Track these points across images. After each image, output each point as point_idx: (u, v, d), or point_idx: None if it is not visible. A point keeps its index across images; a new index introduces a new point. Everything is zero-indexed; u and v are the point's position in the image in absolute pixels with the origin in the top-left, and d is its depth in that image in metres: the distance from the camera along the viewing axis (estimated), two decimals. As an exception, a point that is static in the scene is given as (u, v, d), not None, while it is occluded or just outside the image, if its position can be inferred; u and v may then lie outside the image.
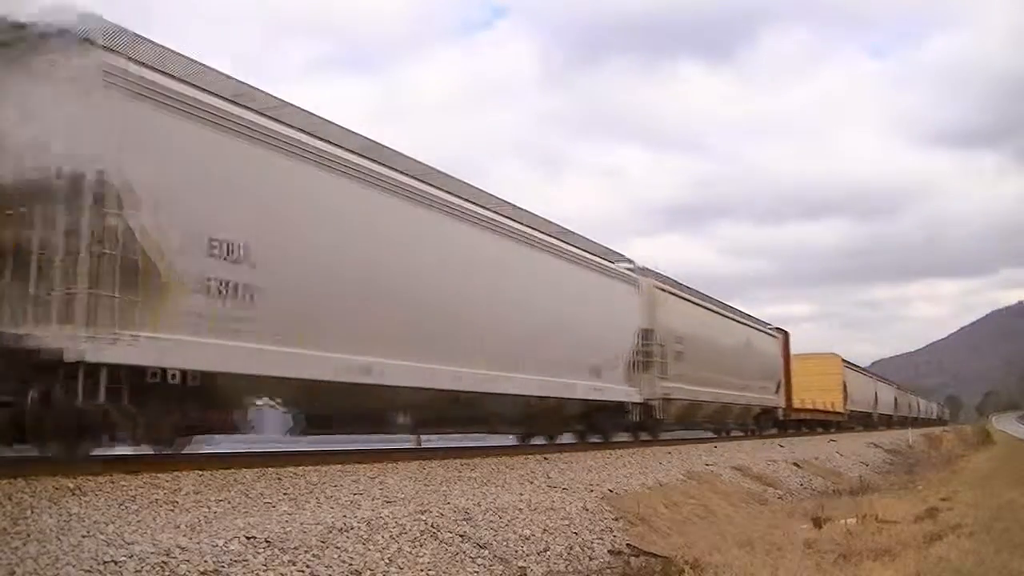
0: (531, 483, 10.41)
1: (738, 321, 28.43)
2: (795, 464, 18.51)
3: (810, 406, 37.66)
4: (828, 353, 45.23)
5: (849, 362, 48.18)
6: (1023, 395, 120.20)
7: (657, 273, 21.65)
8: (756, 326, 30.70)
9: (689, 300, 23.64)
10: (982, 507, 10.24)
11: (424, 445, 14.37)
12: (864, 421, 49.53)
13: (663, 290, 21.27)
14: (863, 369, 56.53)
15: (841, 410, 42.07)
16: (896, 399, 65.26)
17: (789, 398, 33.55)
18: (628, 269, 19.75)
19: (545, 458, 13.35)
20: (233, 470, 8.37)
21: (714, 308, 26.10)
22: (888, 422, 58.28)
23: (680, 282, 23.79)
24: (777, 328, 34.03)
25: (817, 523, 9.38)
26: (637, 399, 18.55)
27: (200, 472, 8.04)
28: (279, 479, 8.30)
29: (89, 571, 4.79)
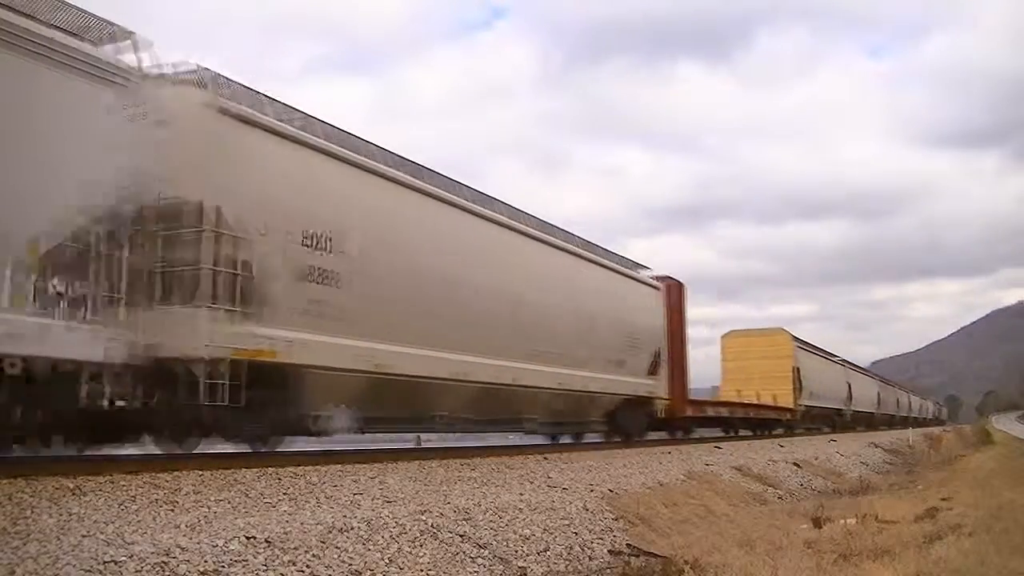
0: (531, 483, 10.42)
1: (550, 245, 15.98)
2: (795, 464, 18.52)
3: (733, 398, 28.12)
4: (772, 328, 35.27)
5: (805, 342, 37.23)
6: (1023, 395, 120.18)
7: (233, 83, 9.95)
8: (606, 262, 18.28)
9: (369, 170, 11.48)
10: (982, 507, 10.23)
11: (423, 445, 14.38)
12: (831, 420, 39.36)
13: (250, 124, 9.68)
14: (829, 354, 43.63)
15: (790, 405, 31.52)
16: (879, 394, 54.64)
17: (680, 386, 21.48)
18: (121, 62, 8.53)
19: (545, 458, 13.36)
20: (233, 470, 8.37)
21: (464, 205, 13.53)
22: (869, 422, 48.68)
23: (337, 127, 11.47)
24: (664, 276, 21.42)
25: (817, 523, 9.38)
26: (90, 355, 7.84)
27: (200, 472, 8.04)
28: (279, 479, 8.30)
29: (89, 571, 4.79)
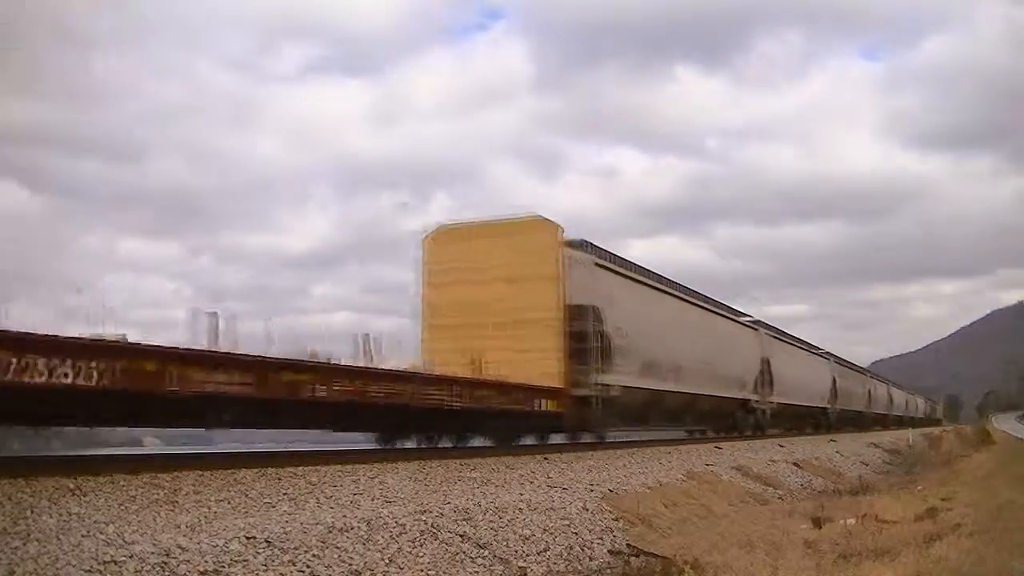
0: (531, 483, 10.42)
1: None
2: (795, 464, 18.55)
3: (438, 366, 13.94)
4: (523, 217, 17.27)
5: (621, 259, 19.52)
6: (1023, 395, 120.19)
7: None
8: None
9: None
10: (982, 507, 10.23)
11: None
12: (725, 418, 25.23)
13: None
14: (725, 308, 26.84)
15: (553, 383, 15.44)
16: (837, 383, 39.38)
17: None
18: None
19: (545, 458, 13.35)
20: (233, 470, 8.37)
21: None
22: (818, 421, 35.79)
23: None
24: None
25: (817, 523, 9.38)
26: None
27: (200, 472, 8.04)
28: (279, 479, 8.30)
29: (89, 571, 4.79)
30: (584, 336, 16.14)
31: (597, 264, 17.46)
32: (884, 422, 49.79)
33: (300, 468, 8.98)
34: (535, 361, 15.56)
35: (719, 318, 25.80)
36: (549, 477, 11.05)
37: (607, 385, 16.40)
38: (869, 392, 48.29)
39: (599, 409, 16.16)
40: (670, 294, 22.17)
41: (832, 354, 42.24)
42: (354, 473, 9.17)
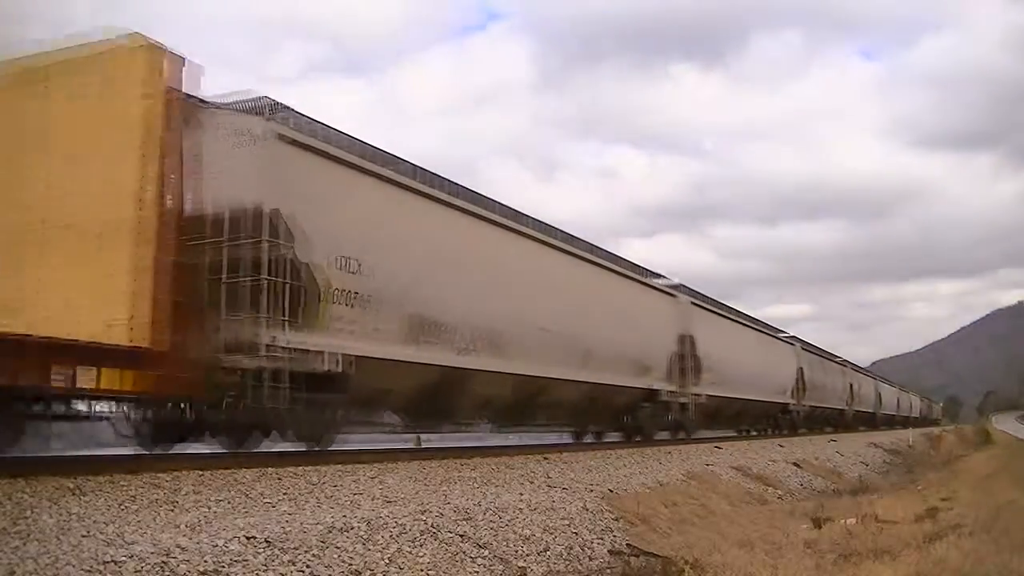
0: (531, 483, 10.42)
1: None
2: (795, 464, 18.55)
3: None
4: (113, 38, 8.44)
5: (352, 141, 11.16)
6: (1023, 395, 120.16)
7: None
8: None
9: None
10: (982, 507, 10.24)
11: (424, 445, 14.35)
12: (603, 415, 18.32)
13: None
14: (561, 234, 16.42)
15: (123, 340, 7.67)
16: (803, 372, 31.66)
17: None
18: None
19: (545, 458, 13.35)
20: (233, 470, 8.38)
21: None
22: (777, 421, 29.44)
23: None
24: None
25: (817, 523, 9.39)
26: None
27: (200, 472, 8.05)
28: (279, 479, 8.31)
29: (89, 571, 4.79)
30: (242, 263, 9.17)
31: (284, 139, 9.85)
32: (872, 423, 43.69)
33: (300, 468, 8.98)
34: (98, 298, 8.21)
35: (600, 271, 17.44)
36: (549, 477, 11.05)
37: (309, 351, 9.62)
38: (851, 387, 40.91)
39: (283, 392, 9.15)
40: (491, 221, 13.66)
41: (799, 339, 34.35)
42: (354, 473, 9.17)
